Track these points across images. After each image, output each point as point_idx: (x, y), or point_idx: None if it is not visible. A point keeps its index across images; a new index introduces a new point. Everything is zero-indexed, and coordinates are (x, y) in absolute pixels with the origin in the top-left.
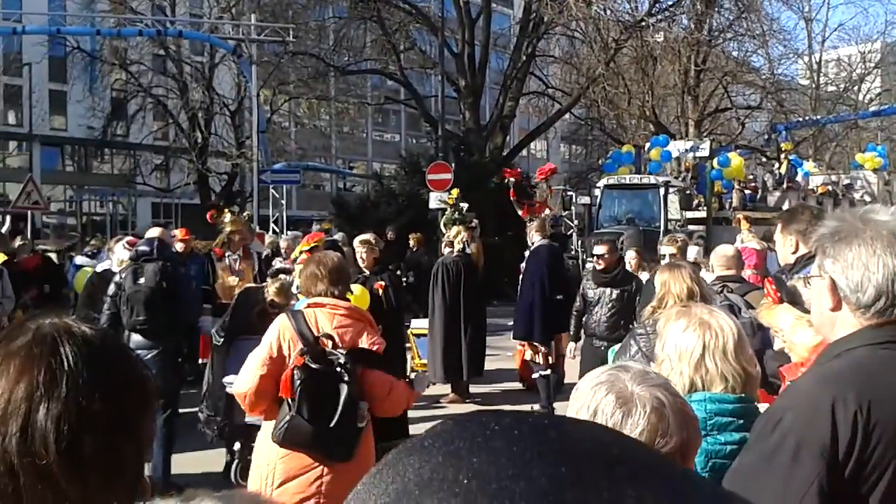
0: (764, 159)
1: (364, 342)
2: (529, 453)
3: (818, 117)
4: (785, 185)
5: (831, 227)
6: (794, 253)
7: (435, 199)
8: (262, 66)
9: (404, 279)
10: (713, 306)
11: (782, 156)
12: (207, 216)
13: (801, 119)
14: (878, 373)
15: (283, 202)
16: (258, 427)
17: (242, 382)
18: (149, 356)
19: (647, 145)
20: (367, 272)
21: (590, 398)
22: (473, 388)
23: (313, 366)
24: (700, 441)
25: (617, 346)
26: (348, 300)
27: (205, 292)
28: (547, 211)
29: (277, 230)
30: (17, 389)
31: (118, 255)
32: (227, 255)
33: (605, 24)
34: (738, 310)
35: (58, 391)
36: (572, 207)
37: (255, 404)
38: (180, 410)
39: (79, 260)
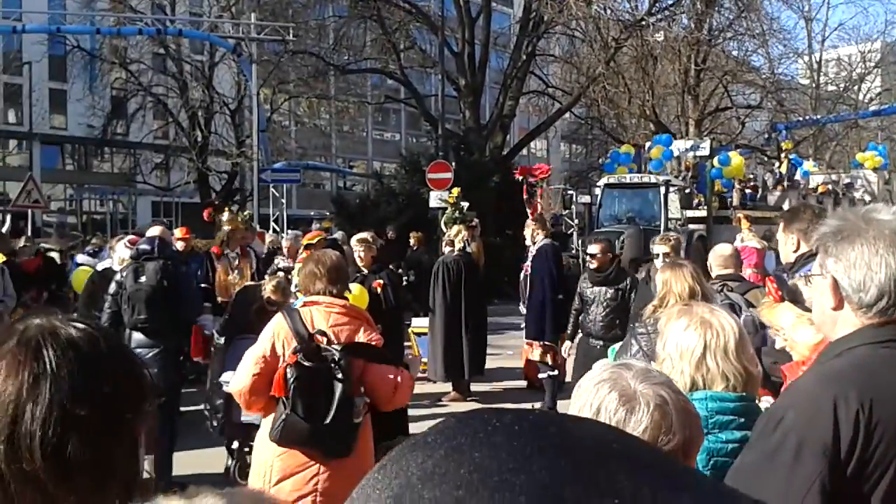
0: (765, 158)
1: (361, 339)
2: (530, 448)
3: (818, 117)
4: (785, 185)
5: (833, 225)
6: (796, 251)
7: (435, 199)
8: (262, 64)
9: (405, 278)
10: (714, 305)
11: (782, 155)
12: (205, 214)
13: (801, 118)
14: (880, 371)
15: (284, 201)
16: (256, 426)
17: (237, 381)
18: (150, 355)
19: (648, 144)
20: (365, 271)
21: (592, 396)
22: (474, 387)
23: (306, 364)
24: (702, 439)
25: (616, 345)
26: (346, 299)
27: (204, 291)
28: (539, 209)
29: (278, 229)
30: (1, 395)
31: (119, 254)
32: (225, 253)
33: (605, 24)
34: (739, 308)
35: (41, 396)
36: (572, 206)
37: (250, 402)
38: (182, 409)
39: (80, 259)
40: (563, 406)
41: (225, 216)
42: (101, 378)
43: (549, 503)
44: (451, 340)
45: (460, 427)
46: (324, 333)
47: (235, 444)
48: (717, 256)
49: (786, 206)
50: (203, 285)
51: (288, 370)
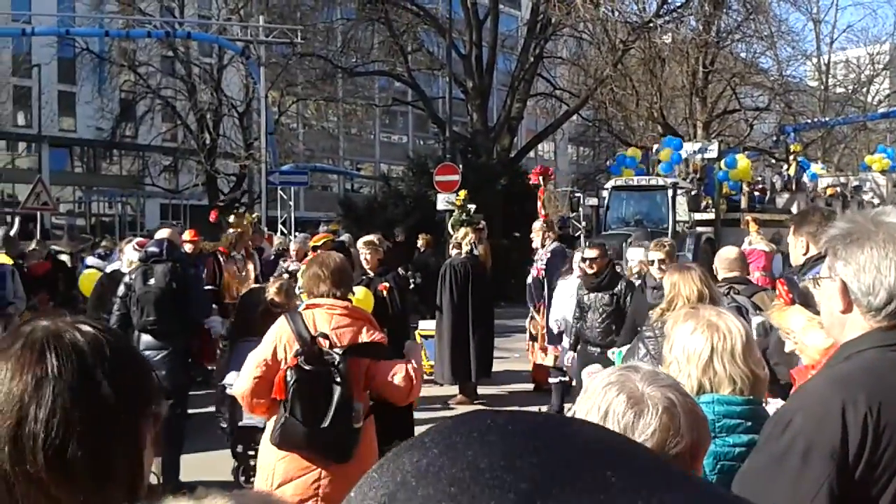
0: (773, 161)
1: (364, 339)
2: (522, 447)
3: (827, 119)
4: (793, 187)
5: (843, 228)
6: (805, 254)
7: (442, 201)
8: (271, 67)
9: (412, 280)
10: (721, 308)
11: (791, 157)
12: (211, 216)
13: (809, 121)
14: (888, 375)
15: (291, 203)
16: (260, 429)
17: (240, 384)
18: (158, 356)
19: (656, 147)
20: (372, 274)
21: (601, 399)
22: (481, 390)
23: (306, 367)
24: (710, 441)
25: (623, 349)
26: (349, 301)
27: (211, 293)
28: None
29: (286, 231)
30: (6, 398)
31: (128, 257)
32: (232, 255)
33: (612, 26)
34: (746, 311)
35: (44, 399)
36: (580, 209)
37: (253, 405)
38: (190, 411)
39: (90, 261)
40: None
41: (231, 218)
42: (104, 381)
43: (537, 500)
44: (458, 343)
45: (456, 427)
46: (326, 336)
47: (240, 448)
48: (723, 259)
49: (794, 209)
50: (210, 287)
51: (288, 373)
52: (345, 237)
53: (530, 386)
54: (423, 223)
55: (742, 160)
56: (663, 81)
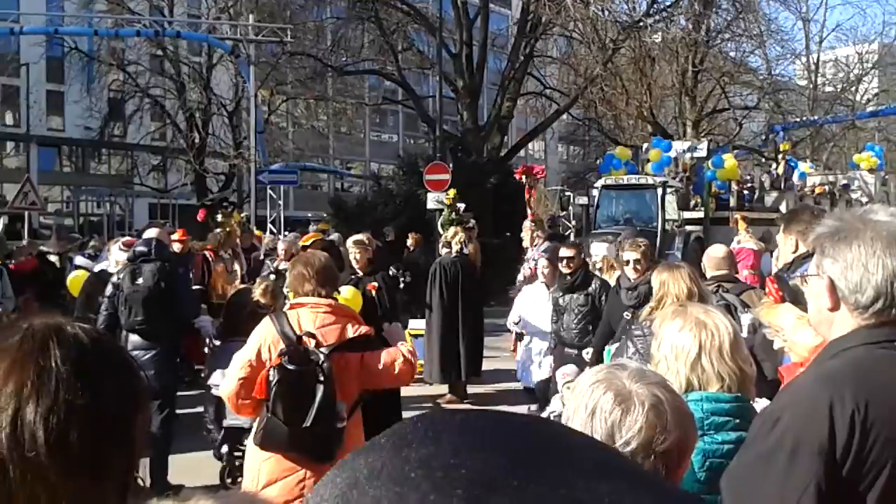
0: (762, 160)
1: (350, 335)
2: (473, 445)
3: (816, 118)
4: (782, 186)
5: (830, 226)
6: (794, 252)
7: (433, 200)
8: (260, 66)
9: (402, 279)
10: (709, 306)
11: (779, 156)
12: (198, 215)
13: (798, 119)
14: (876, 372)
15: (281, 203)
16: (245, 430)
17: (226, 385)
18: (146, 356)
19: (646, 146)
20: (361, 273)
21: (588, 396)
22: (471, 389)
23: (289, 367)
24: (697, 437)
25: (612, 347)
26: (335, 299)
27: (200, 292)
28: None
29: (275, 231)
30: (6, 386)
31: (115, 257)
32: (220, 254)
33: (602, 25)
34: (735, 309)
35: (46, 388)
36: (570, 208)
37: (239, 406)
38: (179, 412)
39: (79, 261)
40: None
41: (219, 217)
42: (104, 376)
43: (483, 494)
44: (448, 342)
45: (411, 428)
46: (312, 335)
47: (225, 449)
48: (711, 258)
49: (783, 208)
50: (199, 287)
51: (270, 373)
52: (334, 236)
53: (520, 385)
54: (413, 222)
55: (729, 160)
56: (653, 80)
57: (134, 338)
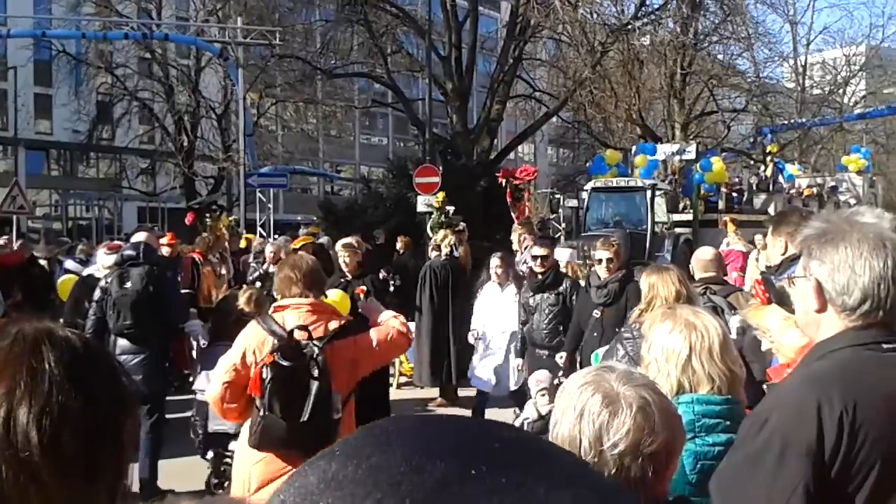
0: (750, 162)
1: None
2: (425, 451)
3: (803, 120)
4: (771, 188)
5: (817, 228)
6: (784, 254)
7: (422, 203)
8: (249, 69)
9: (391, 282)
10: (698, 308)
11: (767, 158)
12: (187, 219)
13: (786, 122)
14: (863, 373)
15: (270, 206)
16: (231, 435)
17: (211, 389)
18: (135, 361)
19: (634, 149)
20: (350, 276)
21: (576, 398)
22: (461, 392)
23: (283, 363)
24: (685, 439)
25: (600, 350)
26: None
27: (189, 296)
28: (527, 212)
29: (265, 234)
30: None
31: (101, 261)
32: (209, 258)
33: (591, 28)
34: (722, 311)
35: (38, 389)
36: (560, 210)
37: (225, 411)
38: (167, 416)
39: (69, 265)
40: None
41: (208, 221)
42: (95, 378)
43: (434, 500)
44: (438, 345)
45: (365, 435)
46: (304, 328)
47: (210, 454)
48: (699, 260)
49: (771, 210)
50: (188, 291)
51: (263, 370)
52: (324, 240)
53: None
54: (403, 225)
55: (717, 163)
56: (642, 83)
57: (122, 342)
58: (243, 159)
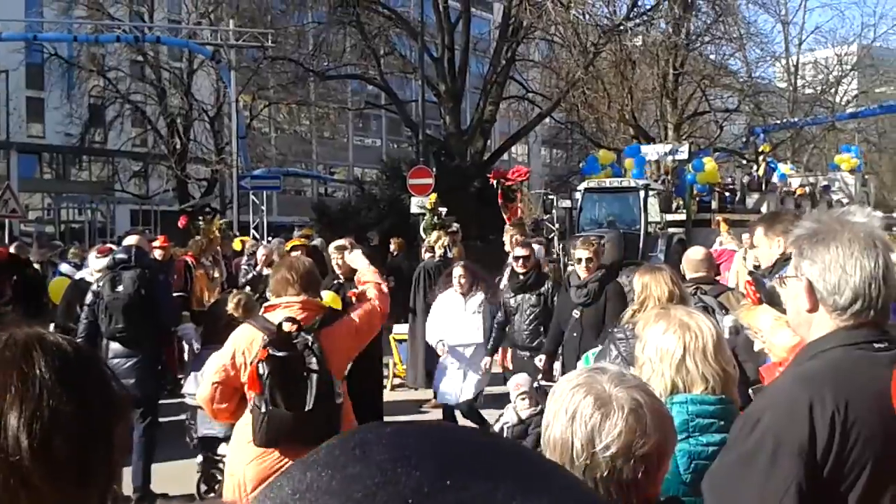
0: (743, 161)
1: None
2: (401, 460)
3: (796, 119)
4: (763, 188)
5: (809, 228)
6: (783, 253)
7: (416, 204)
8: (241, 71)
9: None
10: (691, 308)
11: (760, 158)
12: (180, 222)
13: (778, 121)
14: (855, 373)
15: (264, 208)
16: (219, 439)
17: (201, 390)
18: (127, 364)
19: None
20: (343, 279)
21: (568, 401)
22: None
23: (278, 354)
24: (676, 440)
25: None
26: None
27: (182, 299)
28: (520, 213)
29: (258, 236)
30: None
31: (92, 265)
32: (202, 261)
33: (583, 29)
34: (713, 311)
35: (29, 394)
36: (553, 211)
37: (216, 412)
38: (160, 419)
39: (63, 268)
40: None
41: (200, 224)
42: (86, 383)
43: None
44: (432, 347)
45: (341, 444)
46: (292, 319)
47: (200, 458)
48: (690, 260)
49: (764, 209)
50: (181, 294)
51: (260, 366)
52: (317, 241)
53: (504, 388)
54: (396, 227)
55: (709, 163)
56: (634, 84)
57: (115, 346)
58: (236, 162)
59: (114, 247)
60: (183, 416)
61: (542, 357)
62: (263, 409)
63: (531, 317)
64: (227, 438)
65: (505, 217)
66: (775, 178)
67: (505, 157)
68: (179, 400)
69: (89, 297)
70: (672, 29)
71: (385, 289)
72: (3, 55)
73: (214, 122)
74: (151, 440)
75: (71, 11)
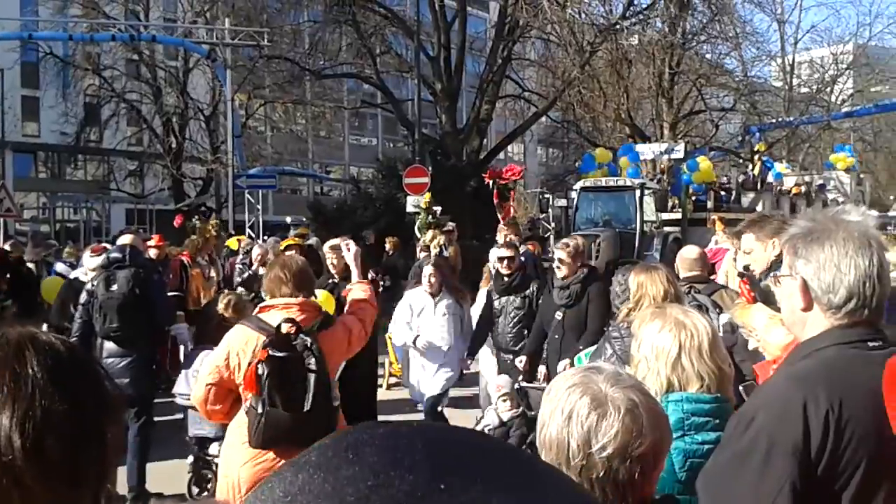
0: (739, 161)
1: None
2: (394, 463)
3: (791, 119)
4: (759, 187)
5: (803, 227)
6: (778, 255)
7: (412, 204)
8: (237, 70)
9: (381, 284)
10: (686, 306)
11: (756, 157)
12: (175, 221)
13: (774, 120)
14: (849, 372)
15: (259, 207)
16: (210, 439)
17: (195, 391)
18: (122, 364)
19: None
20: (338, 278)
21: (564, 401)
22: (451, 392)
23: (278, 355)
24: (671, 440)
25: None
26: None
27: (177, 299)
28: (512, 212)
29: (253, 235)
30: None
31: (86, 264)
32: (197, 260)
33: (579, 28)
34: (706, 309)
35: (21, 394)
36: (549, 210)
37: (209, 413)
38: (155, 419)
39: (59, 268)
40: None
41: (196, 223)
42: (79, 383)
43: None
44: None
45: (334, 445)
46: (291, 320)
47: (190, 458)
48: (684, 259)
49: (759, 208)
50: (176, 293)
51: (259, 366)
52: (312, 241)
53: (473, 390)
54: (392, 226)
55: (704, 162)
56: (630, 83)
57: (109, 345)
58: (232, 161)
59: (108, 246)
60: (178, 416)
61: (523, 358)
62: (260, 410)
63: (515, 319)
64: (217, 438)
65: (499, 216)
66: (771, 178)
67: (501, 156)
68: (174, 399)
69: (83, 297)
70: (668, 28)
71: (369, 296)
72: None
73: (210, 121)
74: (146, 439)
75: (66, 10)
